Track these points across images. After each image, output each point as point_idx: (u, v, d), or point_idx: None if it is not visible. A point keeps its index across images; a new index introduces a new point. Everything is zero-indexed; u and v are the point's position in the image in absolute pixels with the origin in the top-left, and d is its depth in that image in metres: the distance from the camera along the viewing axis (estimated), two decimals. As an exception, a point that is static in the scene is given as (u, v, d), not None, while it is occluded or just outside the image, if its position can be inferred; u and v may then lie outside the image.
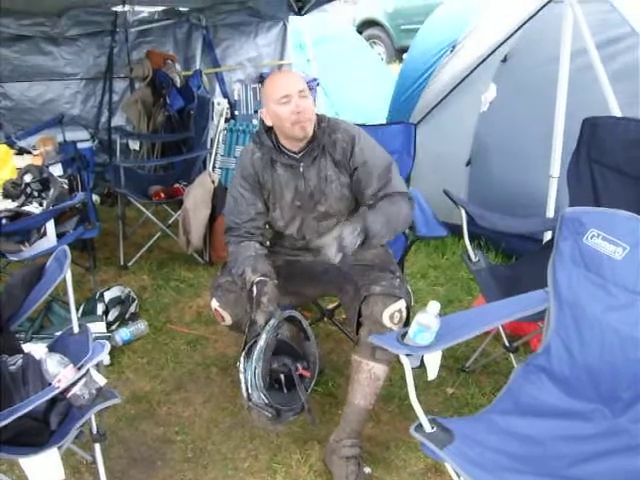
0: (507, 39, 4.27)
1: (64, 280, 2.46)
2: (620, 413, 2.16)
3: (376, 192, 2.76)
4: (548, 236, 3.59)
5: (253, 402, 2.53)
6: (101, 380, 2.22)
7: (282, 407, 2.56)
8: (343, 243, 2.51)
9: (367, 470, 2.74)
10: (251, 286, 2.63)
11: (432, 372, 2.08)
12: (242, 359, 2.57)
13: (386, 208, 2.70)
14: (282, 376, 2.57)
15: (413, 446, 2.84)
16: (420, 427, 2.03)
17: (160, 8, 6.48)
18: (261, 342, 2.50)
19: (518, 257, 3.98)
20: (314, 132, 2.75)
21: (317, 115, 2.78)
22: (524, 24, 4.09)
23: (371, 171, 2.77)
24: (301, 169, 2.80)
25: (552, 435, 2.15)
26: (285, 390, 2.59)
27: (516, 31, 4.17)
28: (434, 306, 2.06)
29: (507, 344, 3.10)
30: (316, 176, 2.81)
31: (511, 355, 3.13)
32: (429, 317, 2.04)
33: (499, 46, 4.33)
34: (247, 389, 2.53)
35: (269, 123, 2.77)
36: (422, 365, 2.08)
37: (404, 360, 2.03)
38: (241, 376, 2.56)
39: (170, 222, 4.79)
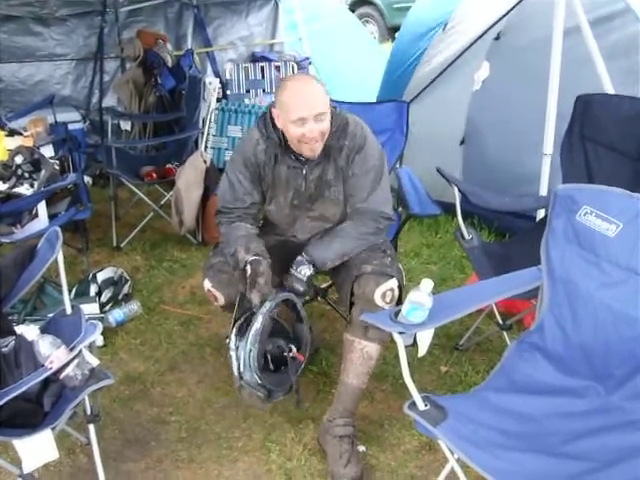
0: (501, 18, 4.24)
1: (56, 261, 2.45)
2: (613, 390, 2.17)
3: (361, 202, 2.75)
4: (541, 214, 3.59)
5: (245, 381, 2.53)
6: (94, 361, 2.22)
7: (274, 387, 2.58)
8: (298, 277, 2.69)
9: (361, 449, 2.75)
10: (245, 265, 2.62)
11: (422, 349, 2.08)
12: (233, 337, 2.56)
13: (340, 233, 2.77)
14: (274, 356, 2.58)
15: (407, 424, 2.85)
16: (413, 405, 2.04)
17: (150, -13, 6.41)
18: (257, 324, 2.49)
19: (511, 235, 3.99)
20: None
21: (332, 119, 2.65)
22: (520, 2, 4.07)
23: (363, 181, 2.73)
24: (304, 171, 2.76)
25: (546, 412, 2.15)
26: (276, 370, 2.60)
27: (511, 10, 4.15)
28: (427, 284, 2.06)
29: (500, 322, 3.12)
30: (318, 179, 2.77)
31: (504, 333, 3.14)
32: (422, 295, 2.04)
33: (493, 25, 4.30)
34: (239, 368, 2.53)
35: (279, 125, 2.67)
36: (415, 343, 2.08)
37: (397, 338, 2.03)
38: (232, 354, 2.55)
39: (162, 202, 4.78)
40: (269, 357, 2.57)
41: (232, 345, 2.56)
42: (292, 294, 2.67)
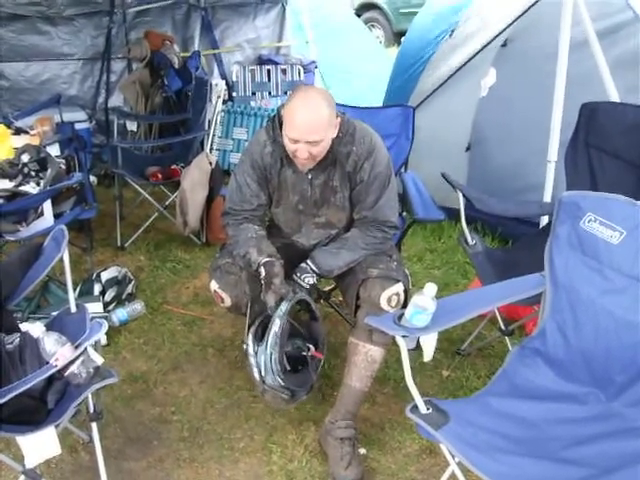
0: (509, 25, 4.24)
1: (61, 260, 2.46)
2: (614, 397, 2.18)
3: (367, 209, 2.76)
4: (544, 221, 3.60)
5: (267, 385, 2.56)
6: (98, 359, 2.22)
7: (296, 388, 2.60)
8: (301, 285, 2.73)
9: (362, 451, 2.76)
10: (258, 267, 2.64)
11: (428, 354, 2.09)
12: (250, 342, 2.59)
13: (347, 243, 2.78)
14: (293, 357, 2.61)
15: (408, 427, 2.86)
16: (415, 408, 2.05)
17: (158, -12, 6.43)
18: (276, 328, 2.52)
19: (514, 242, 3.99)
20: (332, 142, 2.65)
21: (340, 125, 2.65)
22: (527, 10, 4.07)
23: (370, 189, 2.74)
24: (309, 176, 2.76)
25: (546, 418, 2.16)
26: (294, 370, 2.63)
27: (519, 17, 4.15)
28: (431, 288, 2.07)
29: (502, 327, 3.12)
30: (323, 184, 2.77)
31: (506, 338, 3.15)
32: (426, 299, 2.05)
33: (501, 32, 4.30)
34: (260, 372, 2.55)
35: None
36: (418, 347, 2.09)
37: (400, 342, 2.04)
38: (252, 360, 2.58)
39: (167, 203, 4.78)
40: (287, 358, 2.59)
41: (250, 351, 2.59)
42: (306, 294, 2.69)
